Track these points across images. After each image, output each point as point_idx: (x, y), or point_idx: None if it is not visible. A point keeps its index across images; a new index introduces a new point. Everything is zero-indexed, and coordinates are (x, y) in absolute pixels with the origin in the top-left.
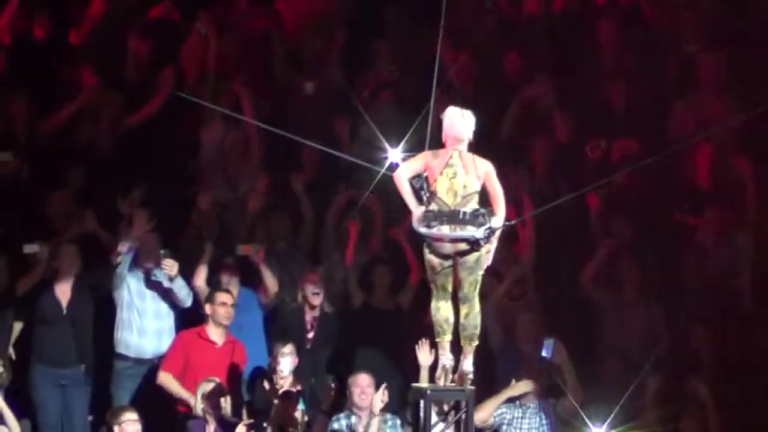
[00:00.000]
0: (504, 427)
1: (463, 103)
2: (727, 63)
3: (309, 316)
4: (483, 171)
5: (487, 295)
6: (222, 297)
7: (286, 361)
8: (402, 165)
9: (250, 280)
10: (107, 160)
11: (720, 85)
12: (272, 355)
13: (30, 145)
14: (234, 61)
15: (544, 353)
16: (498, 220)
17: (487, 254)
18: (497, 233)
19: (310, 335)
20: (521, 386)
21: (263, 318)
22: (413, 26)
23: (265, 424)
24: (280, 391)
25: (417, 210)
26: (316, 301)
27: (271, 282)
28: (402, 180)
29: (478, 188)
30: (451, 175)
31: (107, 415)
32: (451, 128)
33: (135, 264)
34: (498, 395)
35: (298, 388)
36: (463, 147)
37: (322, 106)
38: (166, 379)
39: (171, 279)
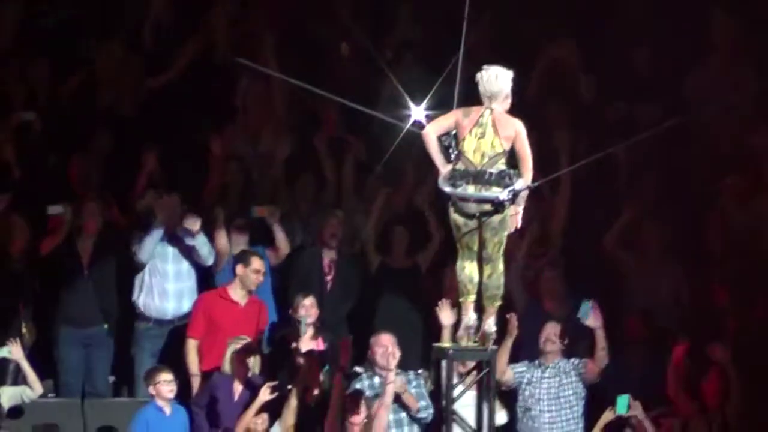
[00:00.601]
0: (523, 385)
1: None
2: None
3: (327, 258)
4: (513, 131)
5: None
6: (257, 263)
7: (306, 319)
8: (432, 122)
9: (260, 240)
10: (131, 120)
11: (739, 51)
12: (292, 307)
13: (52, 107)
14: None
15: (580, 315)
16: (523, 182)
17: (515, 216)
18: (524, 195)
19: (329, 278)
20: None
21: (271, 278)
22: None
23: (289, 386)
24: (303, 350)
25: (443, 168)
26: (334, 243)
27: (283, 243)
28: (430, 137)
29: (507, 148)
30: (479, 134)
31: (144, 374)
32: (483, 86)
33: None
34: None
35: (321, 348)
36: (498, 106)
37: (347, 66)
38: (189, 346)
39: (193, 235)
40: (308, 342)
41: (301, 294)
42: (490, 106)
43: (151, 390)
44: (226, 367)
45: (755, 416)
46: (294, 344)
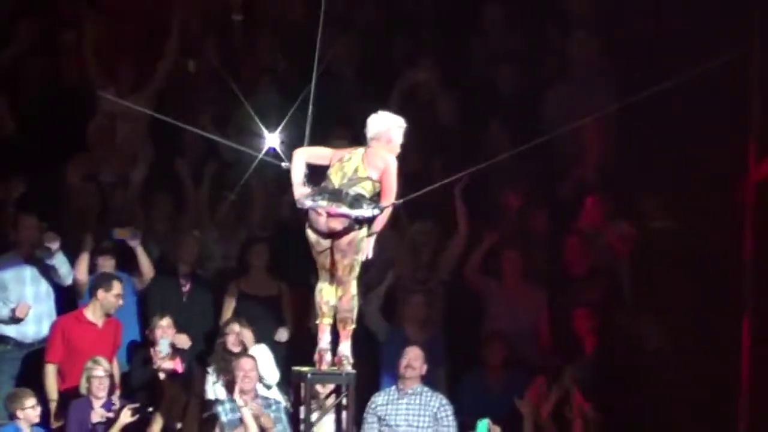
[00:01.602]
0: (383, 414)
1: (345, 88)
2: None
3: (183, 272)
4: (383, 163)
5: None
6: (118, 288)
7: (164, 340)
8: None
9: (125, 264)
10: None
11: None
12: (149, 328)
13: None
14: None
15: None
16: (375, 209)
17: (366, 240)
18: (380, 222)
19: (185, 289)
20: None
21: (136, 303)
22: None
23: (150, 408)
24: (163, 371)
25: (297, 188)
26: (190, 261)
27: (146, 266)
28: (299, 156)
29: (374, 177)
30: (346, 159)
31: (6, 399)
32: (367, 131)
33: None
34: None
35: (180, 369)
36: (378, 149)
37: (202, 89)
38: (48, 371)
39: (52, 254)
40: (167, 363)
41: (157, 314)
42: (369, 146)
43: (20, 414)
44: (82, 389)
45: None
46: (155, 365)
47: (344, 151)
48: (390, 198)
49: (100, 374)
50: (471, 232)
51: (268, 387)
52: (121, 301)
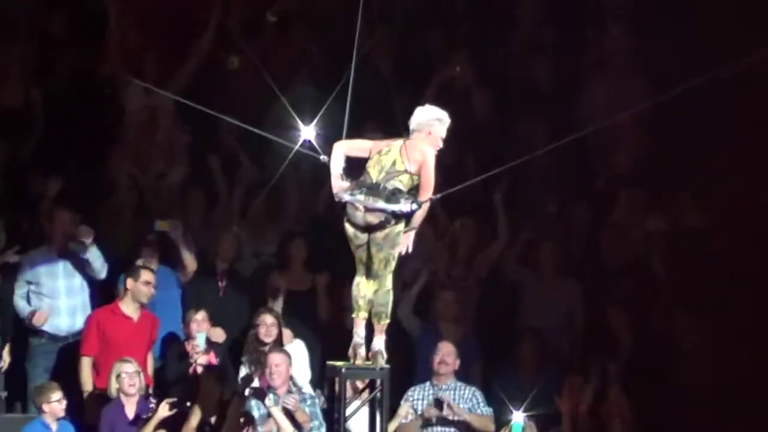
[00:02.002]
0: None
1: (382, 80)
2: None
3: (220, 268)
4: (421, 156)
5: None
6: (146, 275)
7: (201, 334)
8: (347, 140)
9: (170, 257)
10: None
11: (630, 65)
12: (184, 322)
13: None
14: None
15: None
16: (413, 204)
17: (404, 235)
18: (419, 216)
19: (222, 284)
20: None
21: (181, 297)
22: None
23: (188, 403)
24: (198, 366)
25: (336, 180)
26: (228, 255)
27: (189, 259)
28: (338, 150)
29: (411, 170)
30: (384, 152)
31: (33, 392)
32: (410, 121)
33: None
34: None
35: (215, 362)
36: (417, 141)
37: (237, 85)
38: (83, 364)
39: (86, 248)
40: (201, 357)
41: (192, 309)
42: (409, 137)
43: (45, 408)
44: (112, 390)
45: None
46: (191, 359)
47: (384, 143)
48: (428, 192)
49: (130, 370)
50: (510, 234)
51: (298, 387)
52: (152, 290)
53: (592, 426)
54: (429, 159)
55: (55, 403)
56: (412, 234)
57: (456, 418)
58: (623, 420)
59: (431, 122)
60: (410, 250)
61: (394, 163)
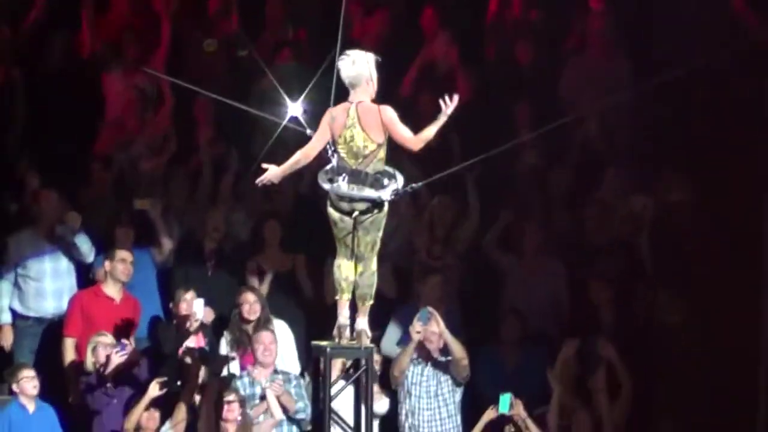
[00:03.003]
0: (407, 384)
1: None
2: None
3: (208, 248)
4: (386, 119)
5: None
6: (121, 254)
7: (198, 301)
8: (308, 147)
9: (143, 238)
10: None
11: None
12: (173, 302)
13: None
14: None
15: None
16: (395, 184)
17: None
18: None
19: (210, 263)
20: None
21: (156, 276)
22: None
23: (179, 382)
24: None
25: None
26: (216, 236)
27: (165, 238)
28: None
29: (382, 140)
30: (349, 138)
31: (5, 373)
32: (342, 75)
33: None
34: (408, 347)
35: (202, 343)
36: (362, 94)
37: (222, 63)
38: (66, 345)
39: (74, 232)
40: (191, 339)
41: (182, 288)
42: (354, 100)
43: (15, 387)
44: (88, 363)
45: (640, 410)
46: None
47: (336, 117)
48: (409, 141)
49: (106, 341)
50: (484, 211)
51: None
52: (129, 268)
53: (579, 404)
54: (389, 116)
55: (24, 381)
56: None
57: (438, 330)
58: (610, 396)
59: (365, 69)
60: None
61: (365, 146)
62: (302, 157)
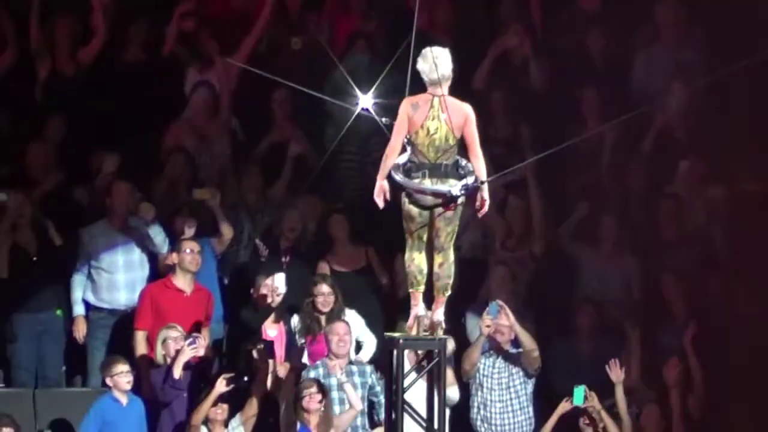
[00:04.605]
0: (478, 376)
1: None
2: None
3: (284, 245)
4: (463, 118)
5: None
6: (188, 244)
7: (280, 278)
8: (390, 149)
9: (202, 229)
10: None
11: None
12: (254, 288)
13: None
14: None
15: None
16: (475, 175)
17: (481, 202)
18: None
19: (285, 260)
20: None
21: (216, 267)
22: None
23: (246, 378)
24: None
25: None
26: (291, 235)
27: (225, 227)
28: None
29: (458, 137)
30: (432, 130)
31: (101, 365)
32: (427, 74)
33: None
34: (477, 341)
35: (282, 331)
36: (444, 90)
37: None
38: (138, 338)
39: (147, 223)
40: (272, 326)
41: (263, 274)
42: (437, 94)
43: (108, 381)
44: (158, 356)
45: (714, 403)
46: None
47: (417, 106)
48: (479, 151)
49: (175, 335)
50: (559, 203)
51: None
52: (198, 258)
53: (653, 396)
54: (472, 118)
55: (118, 376)
56: (486, 198)
57: (509, 323)
58: (686, 390)
59: (449, 67)
60: (484, 211)
61: (446, 140)
62: (389, 153)
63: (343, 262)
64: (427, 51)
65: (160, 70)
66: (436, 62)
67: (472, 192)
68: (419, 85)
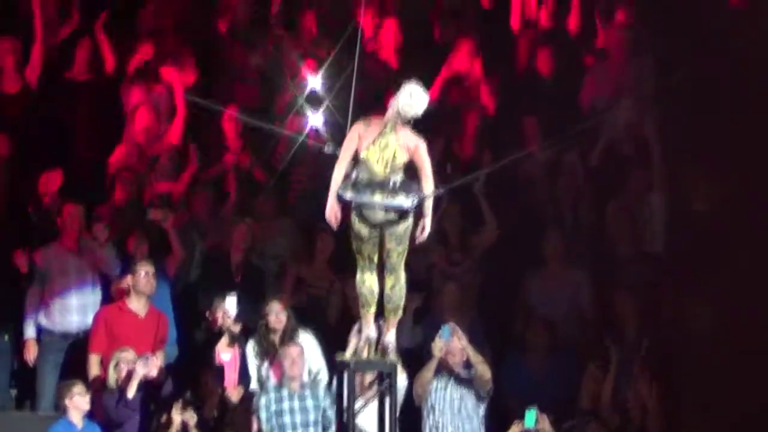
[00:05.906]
0: (431, 399)
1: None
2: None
3: (235, 261)
4: (413, 145)
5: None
6: (143, 266)
7: (231, 298)
8: (339, 158)
9: (154, 250)
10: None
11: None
12: (209, 310)
13: None
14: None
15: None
16: (427, 189)
17: (422, 228)
18: (430, 204)
19: (238, 278)
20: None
21: (169, 290)
22: None
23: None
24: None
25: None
26: (243, 247)
27: (178, 248)
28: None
29: (406, 159)
30: (383, 145)
31: (56, 392)
32: (402, 105)
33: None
34: (428, 364)
35: (236, 354)
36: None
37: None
38: (91, 361)
39: (101, 245)
40: (226, 349)
41: (218, 296)
42: (396, 120)
43: (68, 403)
44: (110, 380)
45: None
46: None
47: (369, 124)
48: (430, 175)
49: (129, 358)
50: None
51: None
52: (152, 281)
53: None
54: (423, 145)
55: (77, 397)
56: (428, 223)
57: (461, 345)
58: (646, 409)
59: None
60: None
61: (395, 156)
62: (336, 167)
63: (314, 280)
64: (413, 88)
65: (105, 88)
66: (415, 102)
67: (420, 205)
68: (364, 108)
